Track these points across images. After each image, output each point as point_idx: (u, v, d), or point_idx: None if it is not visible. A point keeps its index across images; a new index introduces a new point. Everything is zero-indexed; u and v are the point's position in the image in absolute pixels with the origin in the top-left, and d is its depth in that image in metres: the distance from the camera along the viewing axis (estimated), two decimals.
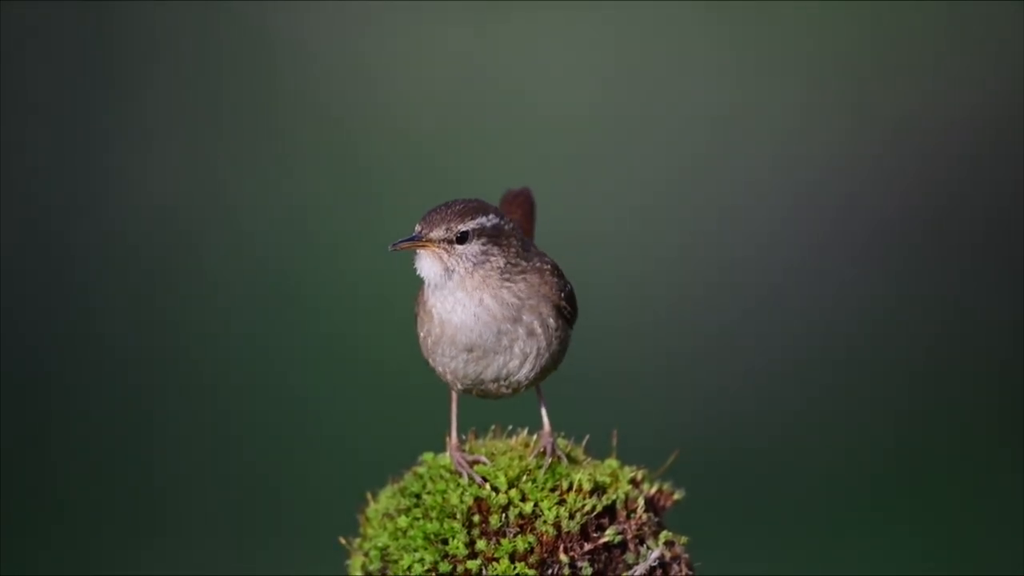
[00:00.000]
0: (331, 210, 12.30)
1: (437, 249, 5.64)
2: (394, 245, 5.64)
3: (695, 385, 11.91)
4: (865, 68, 12.86)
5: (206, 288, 12.08)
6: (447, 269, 5.64)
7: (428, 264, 5.66)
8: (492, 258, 5.65)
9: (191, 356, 11.85)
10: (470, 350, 5.63)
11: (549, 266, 5.78)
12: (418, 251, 5.65)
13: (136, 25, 12.59)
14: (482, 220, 5.67)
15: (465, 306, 5.62)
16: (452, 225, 5.64)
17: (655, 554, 5.55)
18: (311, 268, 12.06)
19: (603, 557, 5.53)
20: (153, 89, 12.56)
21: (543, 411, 5.78)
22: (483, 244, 5.66)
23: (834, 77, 12.86)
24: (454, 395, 5.82)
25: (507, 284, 5.66)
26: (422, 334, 5.72)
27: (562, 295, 5.74)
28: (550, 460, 5.62)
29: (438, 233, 5.65)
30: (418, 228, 5.65)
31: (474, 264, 5.64)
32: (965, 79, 12.79)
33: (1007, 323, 12.11)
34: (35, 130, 12.37)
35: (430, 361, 5.73)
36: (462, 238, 5.65)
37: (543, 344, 5.68)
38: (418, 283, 5.80)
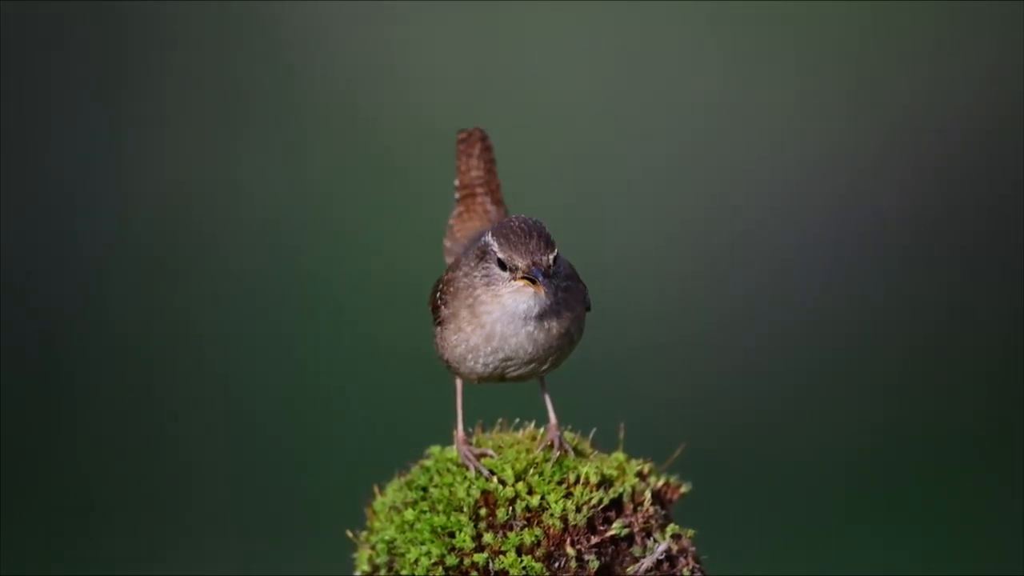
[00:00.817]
0: (346, 199, 12.30)
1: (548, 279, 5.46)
2: (546, 288, 5.44)
3: (702, 378, 11.91)
4: (863, 62, 12.85)
5: (217, 281, 12.09)
6: (555, 298, 5.48)
7: (540, 297, 5.46)
8: (560, 277, 5.56)
9: (197, 350, 11.86)
10: (509, 359, 5.60)
11: (572, 268, 5.73)
12: (532, 288, 5.46)
13: (148, 16, 12.59)
14: (553, 240, 5.55)
15: (530, 331, 5.53)
16: (550, 252, 5.47)
17: (662, 547, 5.55)
18: (320, 262, 12.06)
19: (610, 550, 5.53)
20: (165, 79, 12.57)
21: (548, 404, 5.76)
22: (558, 265, 5.55)
23: (832, 71, 12.85)
24: (458, 387, 5.79)
25: (565, 301, 5.57)
26: (454, 339, 5.60)
27: (586, 296, 5.73)
28: (558, 454, 5.61)
29: (548, 260, 5.47)
30: (535, 262, 5.43)
31: (559, 288, 5.53)
32: (964, 75, 12.78)
33: (1008, 319, 12.11)
34: (45, 122, 12.38)
35: (452, 362, 5.66)
36: (555, 261, 5.51)
37: (572, 345, 5.66)
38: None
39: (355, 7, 12.83)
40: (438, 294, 5.71)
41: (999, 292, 12.21)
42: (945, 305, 12.25)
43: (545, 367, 5.64)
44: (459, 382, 5.79)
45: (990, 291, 12.25)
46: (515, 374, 5.64)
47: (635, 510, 5.58)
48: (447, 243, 6.10)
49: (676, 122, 12.74)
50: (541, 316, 5.51)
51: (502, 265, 5.50)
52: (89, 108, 12.42)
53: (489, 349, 5.56)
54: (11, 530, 10.97)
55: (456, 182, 6.12)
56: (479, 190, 6.09)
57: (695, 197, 12.59)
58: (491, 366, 5.60)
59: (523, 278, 5.46)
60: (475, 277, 5.57)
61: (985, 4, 12.70)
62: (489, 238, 5.54)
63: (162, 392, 11.65)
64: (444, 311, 5.64)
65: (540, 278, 5.43)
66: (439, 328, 5.69)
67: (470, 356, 5.59)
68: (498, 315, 5.53)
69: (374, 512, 5.70)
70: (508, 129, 12.55)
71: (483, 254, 5.55)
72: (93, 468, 11.29)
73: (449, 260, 6.01)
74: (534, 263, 5.44)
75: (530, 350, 5.55)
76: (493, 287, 5.52)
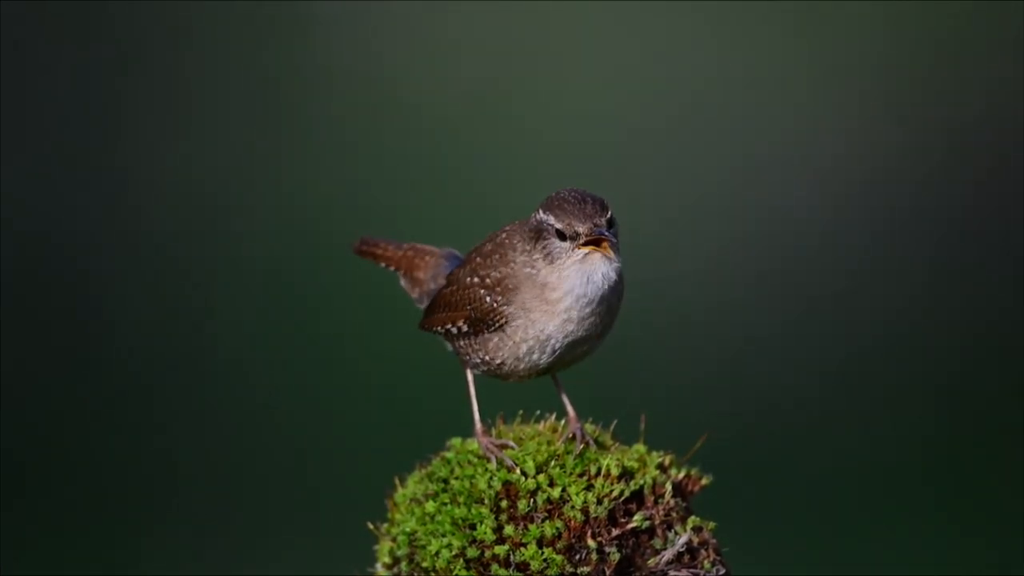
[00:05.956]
0: (370, 188, 12.31)
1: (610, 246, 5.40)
2: (612, 245, 5.34)
3: (724, 370, 11.90)
4: (892, 51, 12.81)
5: (231, 276, 12.10)
6: (615, 266, 5.44)
7: (604, 266, 5.42)
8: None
9: (218, 340, 11.87)
10: (579, 339, 5.51)
11: None
12: (599, 252, 5.40)
13: (162, 12, 12.61)
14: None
15: (595, 305, 5.47)
16: (606, 213, 5.39)
17: (683, 539, 5.55)
18: (341, 254, 12.06)
19: (631, 542, 5.52)
20: (185, 66, 12.58)
21: (565, 400, 5.74)
22: (615, 227, 5.48)
23: (860, 62, 12.82)
24: (470, 379, 5.75)
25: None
26: (520, 336, 5.50)
27: None
28: (582, 446, 5.59)
29: (605, 220, 5.40)
30: (595, 223, 5.35)
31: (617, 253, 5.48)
32: (998, 64, 12.74)
33: None
34: (56, 118, 12.40)
35: (508, 363, 5.57)
36: (610, 223, 5.44)
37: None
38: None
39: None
40: (487, 299, 5.58)
41: None
42: (977, 301, 12.20)
43: (599, 342, 5.57)
44: (471, 375, 5.77)
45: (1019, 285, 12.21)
46: (573, 356, 5.56)
47: (656, 502, 5.57)
48: (415, 294, 6.02)
49: (697, 109, 12.72)
50: (614, 281, 5.43)
51: (561, 236, 5.41)
52: (105, 98, 12.44)
53: (563, 335, 5.47)
54: (13, 531, 10.99)
55: (383, 265, 6.10)
56: (407, 252, 6.05)
57: (716, 187, 12.57)
58: (556, 354, 5.53)
59: (587, 243, 5.38)
60: (536, 260, 5.46)
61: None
62: (541, 215, 5.44)
63: (174, 385, 11.66)
64: (506, 310, 5.52)
65: (606, 233, 5.34)
66: (493, 333, 5.57)
67: (537, 350, 5.51)
68: (571, 299, 5.44)
69: (395, 504, 5.71)
70: (541, 123, 12.54)
71: (538, 233, 5.44)
72: (98, 467, 11.30)
73: (425, 301, 5.94)
74: (595, 225, 5.36)
75: (602, 323, 5.48)
76: (557, 263, 5.42)
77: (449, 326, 5.68)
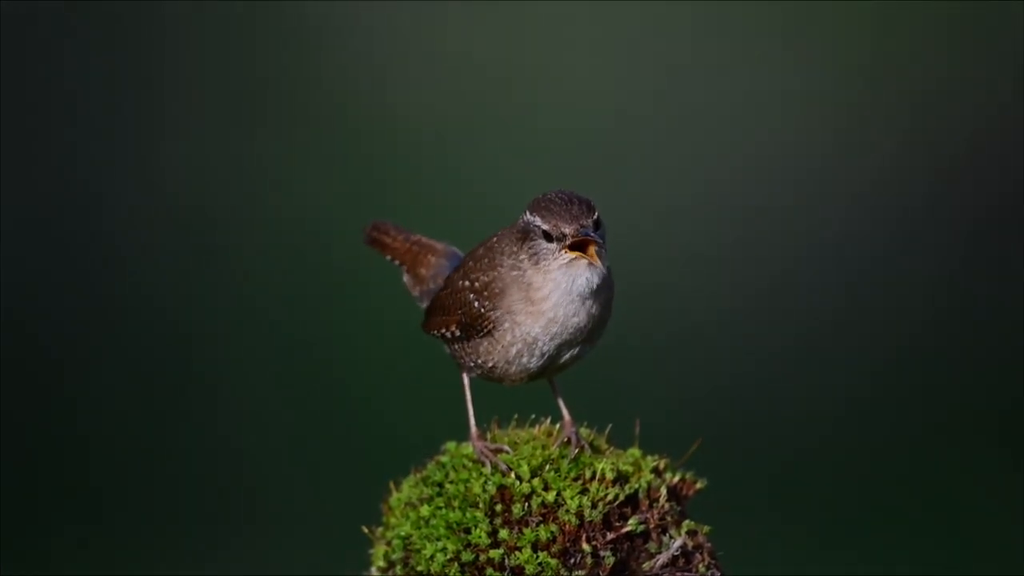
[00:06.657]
0: (364, 197, 12.31)
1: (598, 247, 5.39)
2: (599, 249, 5.34)
3: (718, 374, 11.90)
4: (881, 51, 12.82)
5: (236, 276, 12.10)
6: (599, 271, 5.44)
7: (588, 272, 5.41)
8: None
9: (218, 343, 11.87)
10: (566, 343, 5.50)
11: None
12: (585, 259, 5.38)
13: (165, 12, 12.62)
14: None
15: (588, 305, 5.46)
16: (592, 215, 5.38)
17: (677, 543, 5.55)
18: (337, 260, 12.07)
19: (626, 546, 5.52)
20: (185, 75, 12.59)
21: (561, 403, 5.74)
22: (602, 229, 5.46)
23: (850, 61, 12.83)
24: (467, 384, 5.76)
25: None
26: (508, 339, 5.51)
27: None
28: (576, 451, 5.59)
29: (591, 222, 5.39)
30: (582, 224, 5.35)
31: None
32: (988, 62, 12.74)
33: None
34: (60, 119, 12.40)
35: (499, 367, 5.58)
36: (597, 225, 5.44)
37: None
38: None
39: (374, 4, 12.84)
40: (475, 303, 5.60)
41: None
42: (978, 302, 12.19)
43: (589, 346, 5.58)
44: (467, 378, 5.77)
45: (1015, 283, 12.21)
46: (563, 360, 5.57)
47: (651, 506, 5.57)
48: (416, 292, 6.04)
49: (689, 115, 12.72)
50: (596, 286, 5.43)
51: (548, 237, 5.41)
52: (106, 105, 12.44)
53: (549, 337, 5.49)
54: (14, 531, 10.99)
55: (388, 258, 6.12)
56: (413, 246, 6.07)
57: (712, 192, 12.57)
58: (546, 356, 5.54)
59: (572, 247, 5.38)
60: (522, 261, 5.48)
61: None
62: (528, 216, 5.46)
63: (175, 391, 11.66)
64: (493, 314, 5.53)
65: (592, 234, 5.34)
66: (482, 337, 5.58)
67: (526, 353, 5.52)
68: (556, 298, 5.45)
69: (390, 508, 5.71)
70: (533, 123, 12.55)
71: (525, 234, 5.45)
72: (98, 467, 11.30)
73: (426, 301, 5.94)
74: (581, 226, 5.36)
75: (588, 326, 5.48)
76: (543, 263, 5.43)
77: (443, 330, 5.69)
